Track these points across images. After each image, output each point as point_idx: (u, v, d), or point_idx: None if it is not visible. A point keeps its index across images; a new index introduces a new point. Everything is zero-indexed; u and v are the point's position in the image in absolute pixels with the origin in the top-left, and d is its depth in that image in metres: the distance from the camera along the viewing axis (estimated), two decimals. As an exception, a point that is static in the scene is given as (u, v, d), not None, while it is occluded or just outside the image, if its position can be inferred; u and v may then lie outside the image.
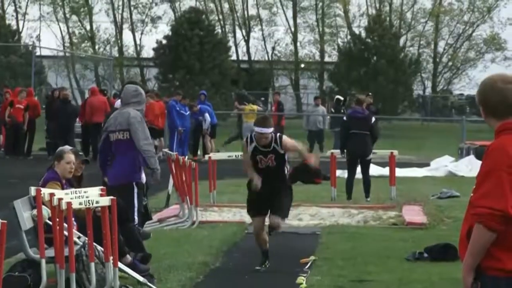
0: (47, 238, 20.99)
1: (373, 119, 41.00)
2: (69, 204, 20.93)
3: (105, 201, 21.51)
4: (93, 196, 21.67)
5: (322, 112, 70.98)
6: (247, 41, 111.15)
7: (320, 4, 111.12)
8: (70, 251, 20.78)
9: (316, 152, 54.78)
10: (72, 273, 20.76)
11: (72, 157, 23.43)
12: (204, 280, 21.67)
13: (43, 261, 20.92)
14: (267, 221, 25.65)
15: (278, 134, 23.93)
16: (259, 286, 19.12)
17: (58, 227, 20.68)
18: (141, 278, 22.33)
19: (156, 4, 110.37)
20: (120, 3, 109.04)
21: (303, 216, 34.08)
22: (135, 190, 23.14)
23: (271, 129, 23.01)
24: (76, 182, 23.44)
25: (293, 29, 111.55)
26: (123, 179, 24.18)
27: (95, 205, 21.57)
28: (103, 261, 21.28)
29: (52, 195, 20.90)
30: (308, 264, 24.52)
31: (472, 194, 10.58)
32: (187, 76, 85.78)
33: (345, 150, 39.67)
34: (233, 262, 23.40)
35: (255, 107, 70.61)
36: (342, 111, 67.12)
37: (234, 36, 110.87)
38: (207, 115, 55.64)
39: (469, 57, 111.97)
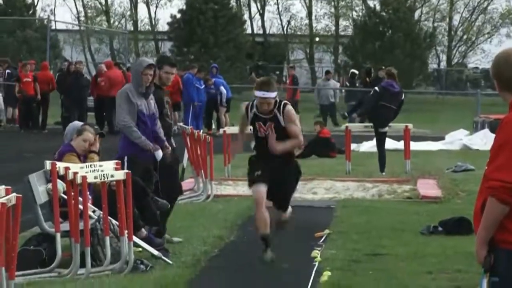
0: (62, 212, 21.22)
1: (403, 95, 41.34)
2: (84, 178, 21.11)
3: (120, 175, 21.63)
4: (108, 170, 21.82)
5: (334, 86, 70.37)
6: (262, 15, 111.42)
7: None
8: (85, 225, 20.93)
9: (330, 127, 53.84)
10: (87, 247, 20.86)
11: (91, 136, 23.43)
12: (219, 254, 21.79)
13: (58, 235, 21.06)
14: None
15: (283, 101, 21.85)
16: (274, 260, 18.61)
17: (73, 201, 20.87)
18: (155, 252, 22.38)
19: None
20: None
21: (317, 189, 33.97)
22: (125, 165, 23.19)
23: (274, 93, 20.96)
24: (94, 157, 23.55)
25: (308, 2, 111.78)
26: (118, 153, 24.30)
27: (110, 179, 21.70)
28: (118, 235, 21.43)
29: (67, 169, 21.11)
30: (323, 238, 24.66)
31: (486, 168, 10.71)
32: (201, 50, 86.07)
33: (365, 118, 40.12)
34: (248, 236, 23.52)
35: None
36: (356, 84, 67.51)
37: (249, 10, 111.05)
38: (223, 88, 55.70)
39: (484, 31, 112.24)
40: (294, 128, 19.89)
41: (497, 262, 10.82)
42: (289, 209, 21.11)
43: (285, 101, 21.40)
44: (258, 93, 20.70)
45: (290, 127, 20.18)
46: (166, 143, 24.58)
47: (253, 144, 21.08)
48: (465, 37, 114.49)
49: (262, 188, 20.15)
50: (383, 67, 57.44)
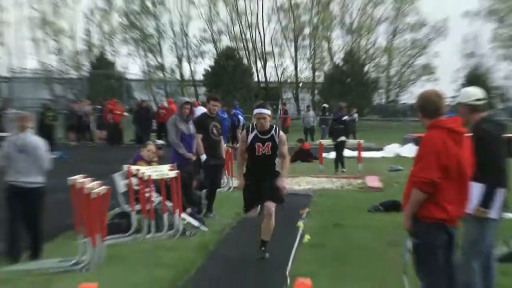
0: (135, 198, 21.58)
1: (344, 117, 43.30)
2: (149, 176, 21.56)
3: (173, 174, 21.96)
4: (165, 171, 22.23)
5: (312, 115, 71.36)
6: (264, 69, 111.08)
7: (313, 43, 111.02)
8: (150, 206, 21.33)
9: (309, 142, 53.99)
10: (152, 220, 21.27)
11: (152, 148, 24.05)
12: (237, 225, 22.39)
13: (133, 213, 21.44)
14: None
15: (277, 127, 19.51)
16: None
17: (142, 191, 21.25)
18: (196, 223, 22.88)
19: (204, 43, 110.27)
20: (180, 43, 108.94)
21: (301, 183, 34.22)
22: (175, 167, 22.72)
23: (268, 111, 18.95)
24: (155, 162, 23.97)
25: (294, 60, 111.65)
26: (170, 161, 24.50)
27: (166, 176, 22.05)
28: (172, 212, 21.70)
29: (138, 170, 21.66)
30: (305, 214, 24.92)
31: (412, 168, 11.26)
32: (224, 92, 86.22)
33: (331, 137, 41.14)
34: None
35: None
36: (326, 114, 68.36)
37: (256, 65, 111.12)
38: (240, 116, 56.26)
39: (411, 78, 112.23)
40: (285, 149, 18.44)
41: (417, 230, 11.32)
42: (272, 206, 18.42)
43: (279, 128, 19.18)
44: (256, 110, 18.81)
45: (282, 148, 18.52)
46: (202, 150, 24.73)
47: (238, 184, 19.14)
48: (398, 82, 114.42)
49: (253, 213, 18.65)
50: (343, 103, 58.22)
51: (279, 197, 18.46)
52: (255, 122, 18.90)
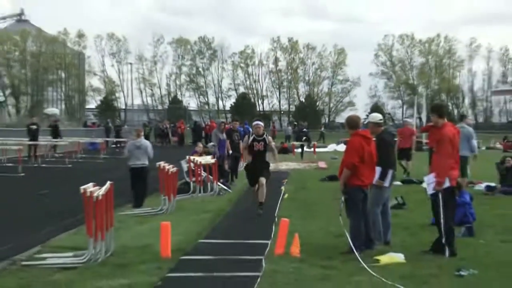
0: (193, 173, 21.95)
1: (304, 129, 48.83)
2: (200, 162, 21.63)
3: (212, 161, 22.13)
4: (208, 159, 22.29)
5: (289, 128, 70.36)
6: (262, 103, 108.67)
7: (289, 90, 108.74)
8: (200, 178, 21.17)
9: (287, 143, 53.40)
10: (201, 186, 21.44)
11: (201, 146, 24.97)
12: (246, 190, 21.08)
13: (191, 182, 21.45)
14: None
15: (267, 134, 18.45)
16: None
17: (196, 170, 21.69)
18: (225, 188, 22.76)
19: (230, 90, 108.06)
20: (217, 90, 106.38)
21: (282, 165, 32.38)
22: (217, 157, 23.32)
23: (262, 123, 18.49)
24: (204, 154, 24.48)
25: (278, 98, 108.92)
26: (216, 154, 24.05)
27: (209, 162, 22.25)
28: (212, 181, 22.36)
29: (194, 158, 21.99)
30: (285, 182, 24.65)
31: (343, 157, 11.66)
32: (240, 116, 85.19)
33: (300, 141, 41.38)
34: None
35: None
36: (295, 128, 68.61)
37: (257, 101, 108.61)
38: (249, 129, 55.68)
39: (341, 108, 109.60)
40: (272, 145, 17.69)
41: (347, 190, 11.75)
42: (264, 180, 17.37)
43: (269, 135, 18.43)
44: (254, 122, 18.64)
45: (270, 145, 17.70)
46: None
47: (247, 161, 18.28)
48: (335, 110, 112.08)
49: (255, 186, 17.56)
50: (303, 122, 58.74)
51: (267, 175, 17.77)
52: (253, 131, 18.47)
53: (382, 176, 12.60)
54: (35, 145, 38.13)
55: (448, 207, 11.40)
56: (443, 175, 11.31)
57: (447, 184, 11.33)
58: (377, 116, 13.31)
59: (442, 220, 11.33)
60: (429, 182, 11.59)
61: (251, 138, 18.02)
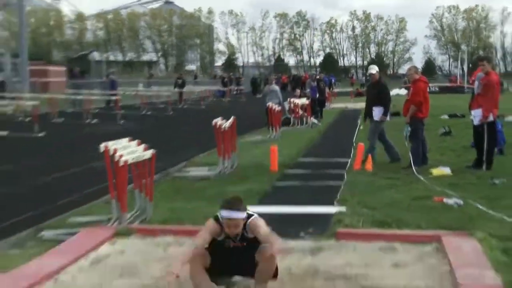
0: (293, 111, 21.66)
1: None
2: (298, 103, 21.27)
3: (307, 102, 21.99)
4: (304, 100, 22.00)
5: (363, 79, 67.16)
6: None
7: None
8: (298, 115, 20.77)
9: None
10: (298, 121, 21.26)
11: (298, 92, 24.43)
12: (334, 122, 20.97)
13: (291, 117, 21.18)
14: None
15: (248, 220, 4.78)
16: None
17: (295, 109, 21.22)
18: (316, 122, 22.29)
19: (319, 52, 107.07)
20: None
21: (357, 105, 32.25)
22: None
23: (243, 214, 4.75)
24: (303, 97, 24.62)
25: None
26: None
27: (304, 103, 21.94)
28: (307, 117, 22.02)
29: (293, 101, 21.60)
30: (360, 117, 24.43)
31: (408, 97, 11.54)
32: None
33: None
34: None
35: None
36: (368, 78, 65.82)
37: (343, 60, 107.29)
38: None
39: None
40: (263, 231, 4.80)
41: (411, 122, 11.38)
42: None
43: (251, 219, 4.78)
44: (223, 213, 4.67)
45: (257, 233, 4.79)
46: None
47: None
48: (398, 63, 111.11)
49: None
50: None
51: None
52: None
53: (385, 113, 12.34)
54: (181, 92, 38.78)
55: (490, 135, 11.09)
56: (488, 111, 10.95)
57: (491, 118, 11.02)
58: (374, 68, 12.94)
59: (485, 145, 11.03)
60: (476, 116, 11.22)
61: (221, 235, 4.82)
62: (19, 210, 7.97)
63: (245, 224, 4.68)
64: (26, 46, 29.98)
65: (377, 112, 12.33)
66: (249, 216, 4.75)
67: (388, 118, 12.60)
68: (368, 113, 12.77)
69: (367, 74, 14.07)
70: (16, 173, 11.49)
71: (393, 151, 12.46)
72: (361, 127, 20.54)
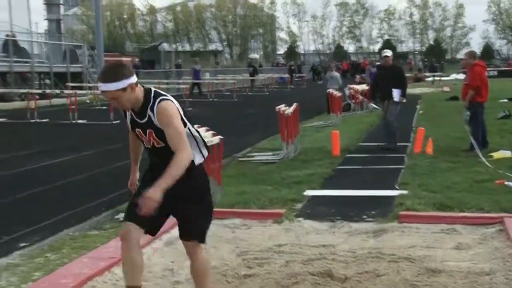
0: (353, 97, 21.55)
1: None
2: (357, 89, 20.94)
3: (366, 88, 21.24)
4: (363, 87, 21.56)
5: (421, 64, 66.29)
6: None
7: None
8: (358, 101, 20.81)
9: None
10: (358, 106, 21.39)
11: (358, 77, 24.10)
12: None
13: (352, 104, 21.19)
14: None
15: (158, 98, 3.42)
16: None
17: (355, 95, 21.04)
18: (375, 106, 21.25)
19: (377, 38, 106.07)
20: None
21: (416, 90, 32.16)
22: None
23: (117, 84, 3.30)
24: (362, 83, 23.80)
25: None
26: None
27: (364, 88, 21.66)
28: (367, 103, 21.85)
29: (353, 87, 21.41)
30: (419, 102, 23.85)
31: (466, 81, 11.22)
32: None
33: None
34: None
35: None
36: (426, 63, 64.52)
37: (401, 46, 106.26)
38: None
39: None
40: (168, 117, 3.42)
41: (470, 106, 11.05)
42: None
43: (162, 97, 3.45)
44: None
45: (162, 120, 3.43)
46: None
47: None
48: (456, 48, 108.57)
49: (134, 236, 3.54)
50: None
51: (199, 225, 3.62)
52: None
53: (404, 94, 12.03)
54: (252, 80, 39.41)
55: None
56: None
57: None
58: (389, 51, 12.65)
59: None
60: None
61: (128, 114, 3.58)
62: (98, 193, 8.15)
63: (151, 103, 3.41)
64: (102, 38, 30.61)
65: (396, 93, 11.99)
66: (157, 95, 3.45)
67: (404, 99, 12.28)
68: (384, 96, 12.29)
69: (381, 57, 13.68)
70: (95, 158, 11.70)
71: (394, 139, 12.19)
72: (420, 112, 20.23)
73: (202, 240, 3.67)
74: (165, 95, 3.48)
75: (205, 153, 3.64)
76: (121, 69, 3.40)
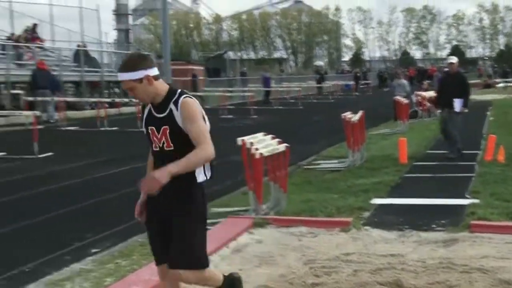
0: (420, 104, 21.08)
1: None
2: (425, 95, 20.82)
3: (434, 94, 21.11)
4: (431, 94, 20.55)
5: (491, 70, 64.66)
6: None
7: None
8: (424, 108, 20.47)
9: None
10: (425, 113, 20.95)
11: (425, 84, 23.72)
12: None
13: (419, 110, 20.86)
14: None
15: (184, 94, 3.32)
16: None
17: (422, 101, 20.81)
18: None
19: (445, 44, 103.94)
20: None
21: (488, 97, 31.19)
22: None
23: (136, 74, 3.22)
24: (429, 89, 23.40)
25: None
26: None
27: (431, 95, 21.13)
28: (434, 109, 21.24)
29: (420, 94, 20.98)
30: (490, 109, 23.07)
31: None
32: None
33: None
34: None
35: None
36: (497, 69, 62.48)
37: (470, 52, 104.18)
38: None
39: None
40: (193, 113, 3.30)
41: None
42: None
43: (185, 94, 3.32)
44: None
45: (187, 117, 3.29)
46: None
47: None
48: None
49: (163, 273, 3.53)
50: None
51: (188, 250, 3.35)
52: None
53: (465, 104, 11.59)
54: (319, 87, 39.44)
55: None
56: None
57: None
58: (454, 58, 12.26)
59: None
60: None
61: (146, 110, 3.43)
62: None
63: (176, 96, 3.31)
64: (168, 47, 31.15)
65: (457, 103, 11.58)
66: (184, 94, 3.34)
67: (466, 109, 11.84)
68: (446, 104, 11.84)
69: (447, 64, 13.07)
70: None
71: (456, 147, 11.74)
72: (491, 118, 19.67)
73: (184, 266, 3.34)
74: (192, 96, 3.37)
75: (208, 175, 3.40)
76: (139, 60, 3.30)
